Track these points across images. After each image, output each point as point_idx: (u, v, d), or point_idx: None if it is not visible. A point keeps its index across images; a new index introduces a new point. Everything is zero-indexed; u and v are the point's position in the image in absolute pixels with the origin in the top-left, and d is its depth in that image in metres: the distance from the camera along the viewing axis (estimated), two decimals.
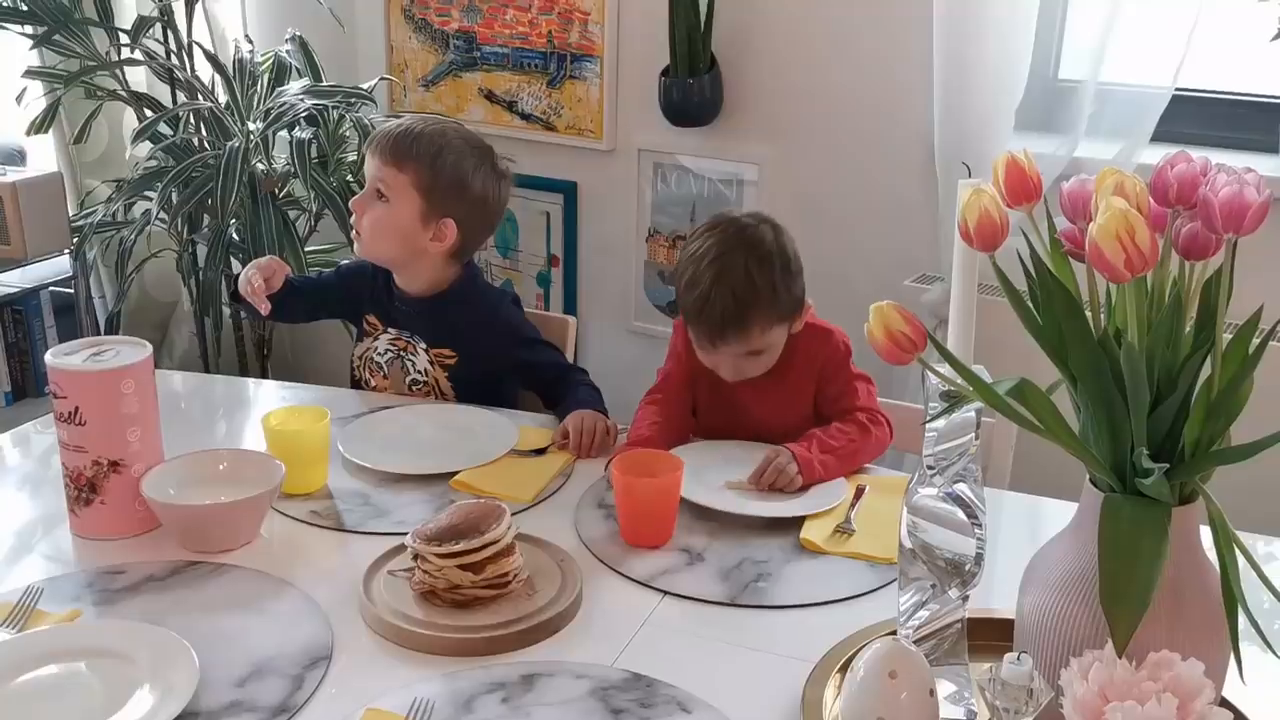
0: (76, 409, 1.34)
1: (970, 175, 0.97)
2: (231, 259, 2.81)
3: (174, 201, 2.67)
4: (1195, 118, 2.28)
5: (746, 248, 1.55)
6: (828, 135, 2.60)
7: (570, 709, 1.09)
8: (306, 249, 2.72)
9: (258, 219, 2.59)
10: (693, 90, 2.65)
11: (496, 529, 1.24)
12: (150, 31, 2.83)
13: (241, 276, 1.81)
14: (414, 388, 1.83)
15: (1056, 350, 0.94)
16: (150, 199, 2.80)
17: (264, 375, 2.97)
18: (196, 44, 2.85)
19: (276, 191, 2.67)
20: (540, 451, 1.61)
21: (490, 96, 3.03)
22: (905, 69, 2.45)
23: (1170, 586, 0.92)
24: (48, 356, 1.36)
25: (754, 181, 2.69)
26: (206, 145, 2.75)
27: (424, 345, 1.80)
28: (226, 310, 2.95)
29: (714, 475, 1.51)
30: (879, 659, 0.99)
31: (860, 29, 2.52)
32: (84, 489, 1.37)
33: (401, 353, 1.82)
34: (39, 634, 1.16)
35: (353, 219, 1.77)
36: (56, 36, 2.79)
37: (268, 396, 1.91)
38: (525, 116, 2.98)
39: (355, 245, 1.78)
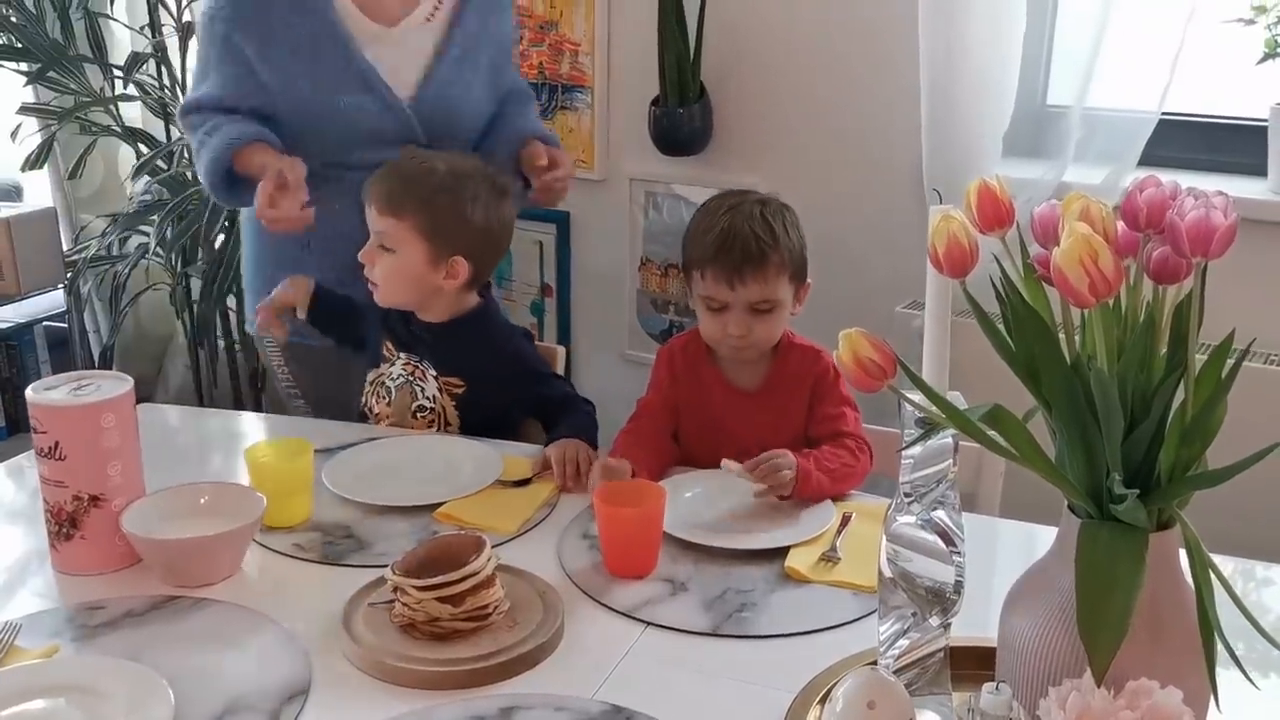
0: (56, 444, 1.33)
1: (941, 201, 0.97)
2: (226, 292, 2.81)
3: (168, 236, 2.68)
4: (1182, 142, 2.29)
5: (758, 201, 1.63)
6: (818, 163, 2.60)
7: None
8: None
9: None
10: (683, 119, 2.66)
11: (476, 561, 1.23)
12: (144, 67, 2.86)
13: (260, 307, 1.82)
14: (419, 414, 1.80)
15: (1030, 375, 0.94)
16: (145, 233, 2.81)
17: (258, 407, 2.98)
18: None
19: None
20: (525, 482, 1.60)
21: None
22: (894, 96, 2.46)
23: (1149, 613, 0.91)
24: (29, 391, 1.35)
25: None
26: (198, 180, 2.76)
27: (434, 372, 1.78)
28: (221, 343, 2.95)
29: (698, 507, 1.50)
30: (857, 689, 0.98)
31: (849, 57, 2.53)
32: (64, 524, 1.36)
33: (411, 378, 1.79)
34: (14, 670, 1.15)
35: (365, 270, 1.74)
36: (50, 73, 2.82)
37: (259, 430, 1.91)
38: None
39: (375, 295, 1.75)
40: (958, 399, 0.99)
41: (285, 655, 1.21)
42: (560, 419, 1.74)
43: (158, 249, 2.75)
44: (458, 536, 1.28)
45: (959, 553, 1.04)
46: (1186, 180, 0.96)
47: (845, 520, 1.49)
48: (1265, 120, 2.20)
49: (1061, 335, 0.93)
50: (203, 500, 1.43)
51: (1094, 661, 0.88)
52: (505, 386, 1.79)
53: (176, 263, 2.87)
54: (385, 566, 1.34)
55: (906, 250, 2.50)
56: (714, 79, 2.65)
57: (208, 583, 1.35)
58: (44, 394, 1.35)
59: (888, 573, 1.08)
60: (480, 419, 1.78)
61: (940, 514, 1.04)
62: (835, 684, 1.08)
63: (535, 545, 1.45)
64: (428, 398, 1.78)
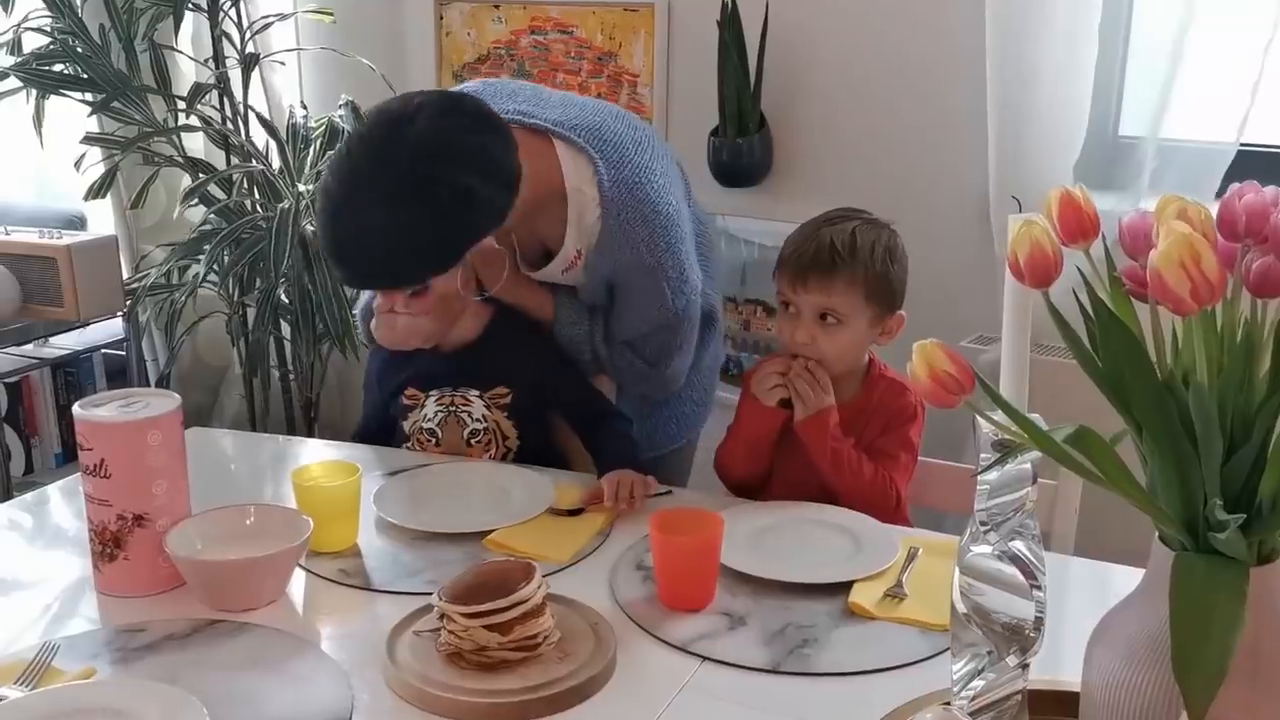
0: (102, 461, 1.31)
1: (1021, 209, 0.91)
2: (281, 320, 2.81)
3: (224, 263, 2.68)
4: (1262, 173, 2.20)
5: (863, 220, 1.62)
6: (880, 194, 2.53)
7: None
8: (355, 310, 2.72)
9: (310, 280, 2.58)
10: (742, 150, 2.63)
11: (525, 588, 1.18)
12: (207, 98, 2.88)
13: None
14: (473, 440, 1.74)
15: (1118, 394, 0.88)
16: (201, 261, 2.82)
17: (311, 436, 2.96)
18: (252, 108, 2.88)
19: None
20: (578, 511, 1.55)
21: None
22: (959, 127, 2.41)
23: (1249, 652, 0.84)
24: (75, 407, 1.33)
25: None
26: (259, 209, 2.77)
27: (476, 392, 1.73)
28: (275, 372, 2.95)
29: (756, 538, 1.44)
30: None
31: (912, 85, 2.49)
32: (108, 544, 1.33)
33: (452, 408, 1.74)
34: (50, 692, 1.11)
35: (404, 315, 1.65)
36: (115, 103, 2.84)
37: (311, 454, 1.87)
38: None
39: (420, 340, 1.68)
40: (1038, 420, 0.93)
41: (327, 682, 1.16)
42: (600, 434, 1.69)
43: (213, 277, 2.75)
44: (507, 563, 1.23)
45: (1039, 586, 0.97)
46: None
47: (911, 555, 1.42)
48: None
49: (1152, 352, 0.87)
50: (248, 522, 1.40)
51: (1190, 705, 0.81)
52: (546, 380, 1.74)
53: (233, 292, 2.87)
54: (429, 595, 1.30)
55: (972, 283, 2.43)
56: (774, 109, 2.61)
57: (251, 607, 1.31)
58: (91, 410, 1.33)
59: (961, 608, 1.01)
60: (533, 427, 1.73)
61: (1019, 544, 0.98)
62: None
63: (587, 575, 1.40)
64: (477, 419, 1.73)
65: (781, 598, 1.34)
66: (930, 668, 1.21)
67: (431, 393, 1.74)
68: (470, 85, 1.72)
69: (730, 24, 2.54)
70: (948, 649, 1.22)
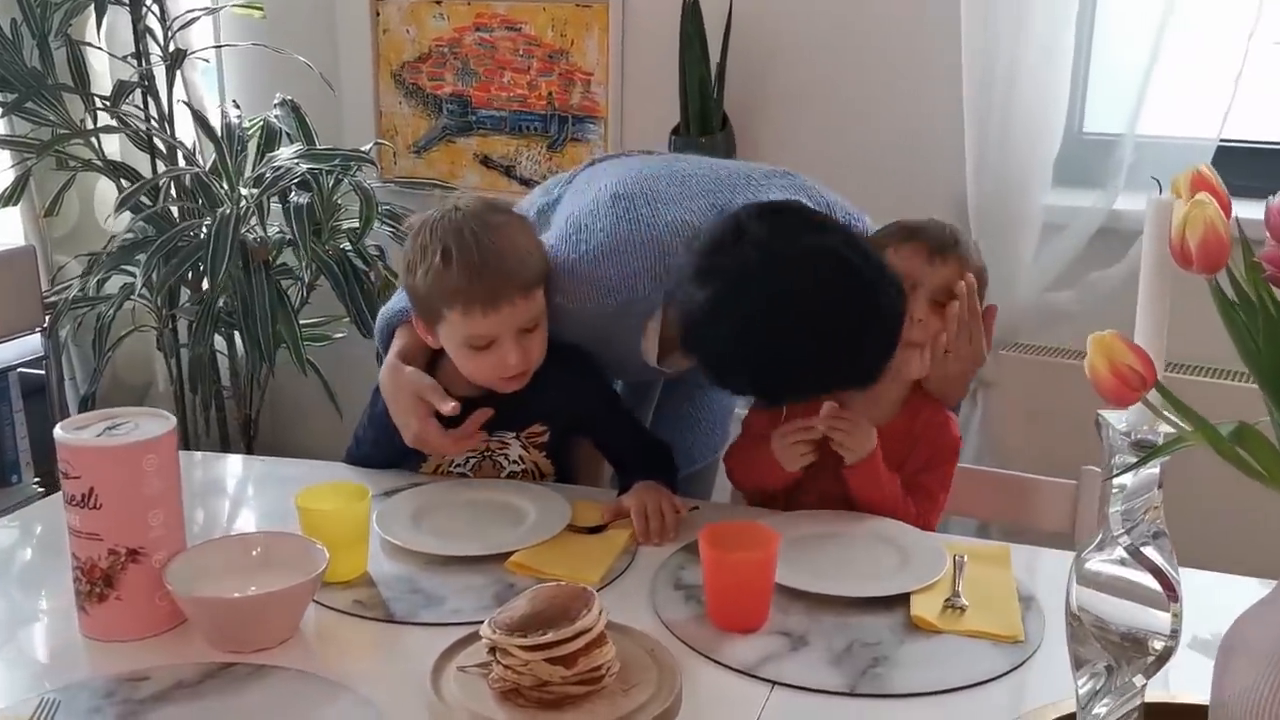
0: (91, 490, 1.17)
1: (1161, 190, 0.85)
2: (215, 334, 2.64)
3: (157, 274, 2.51)
4: (1245, 169, 2.21)
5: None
6: (850, 193, 2.47)
7: None
8: (301, 321, 2.56)
9: (249, 290, 2.43)
10: (704, 150, 2.55)
11: (587, 615, 1.08)
12: (130, 98, 2.69)
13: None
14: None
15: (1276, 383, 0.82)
16: (130, 272, 2.63)
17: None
18: (185, 104, 2.71)
19: (271, 260, 2.52)
20: (599, 528, 1.45)
21: (486, 161, 2.91)
22: (933, 123, 2.37)
23: None
24: (57, 431, 1.19)
25: None
26: (189, 215, 2.60)
27: (513, 434, 1.60)
28: (213, 389, 2.77)
29: (802, 553, 1.36)
30: None
31: (882, 85, 2.44)
32: (98, 583, 1.19)
33: (487, 453, 1.60)
34: None
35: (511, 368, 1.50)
36: (28, 104, 2.64)
37: (296, 476, 1.69)
38: (524, 181, 2.86)
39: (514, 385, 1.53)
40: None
41: None
42: (641, 462, 1.59)
43: (144, 290, 2.57)
44: (561, 588, 1.13)
45: (1176, 595, 0.91)
46: (1245, 210, 0.86)
47: (959, 564, 1.36)
48: None
49: None
50: (255, 552, 1.27)
51: None
52: (582, 413, 1.63)
53: (162, 305, 2.69)
54: (461, 624, 1.20)
55: None
56: (737, 108, 2.54)
57: (264, 646, 1.18)
58: (76, 434, 1.19)
59: (1083, 621, 0.95)
60: (566, 456, 1.63)
61: (1151, 550, 0.92)
62: None
63: (622, 597, 1.31)
64: (514, 461, 1.61)
65: (838, 613, 1.26)
66: (1009, 682, 1.15)
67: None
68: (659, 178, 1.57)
69: (692, 15, 2.46)
70: (1025, 661, 1.17)
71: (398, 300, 1.64)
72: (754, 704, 1.11)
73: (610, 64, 2.70)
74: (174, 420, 1.23)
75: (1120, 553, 0.92)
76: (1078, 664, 0.96)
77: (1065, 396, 2.21)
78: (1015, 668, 1.16)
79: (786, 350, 1.33)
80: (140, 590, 1.20)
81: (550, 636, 1.05)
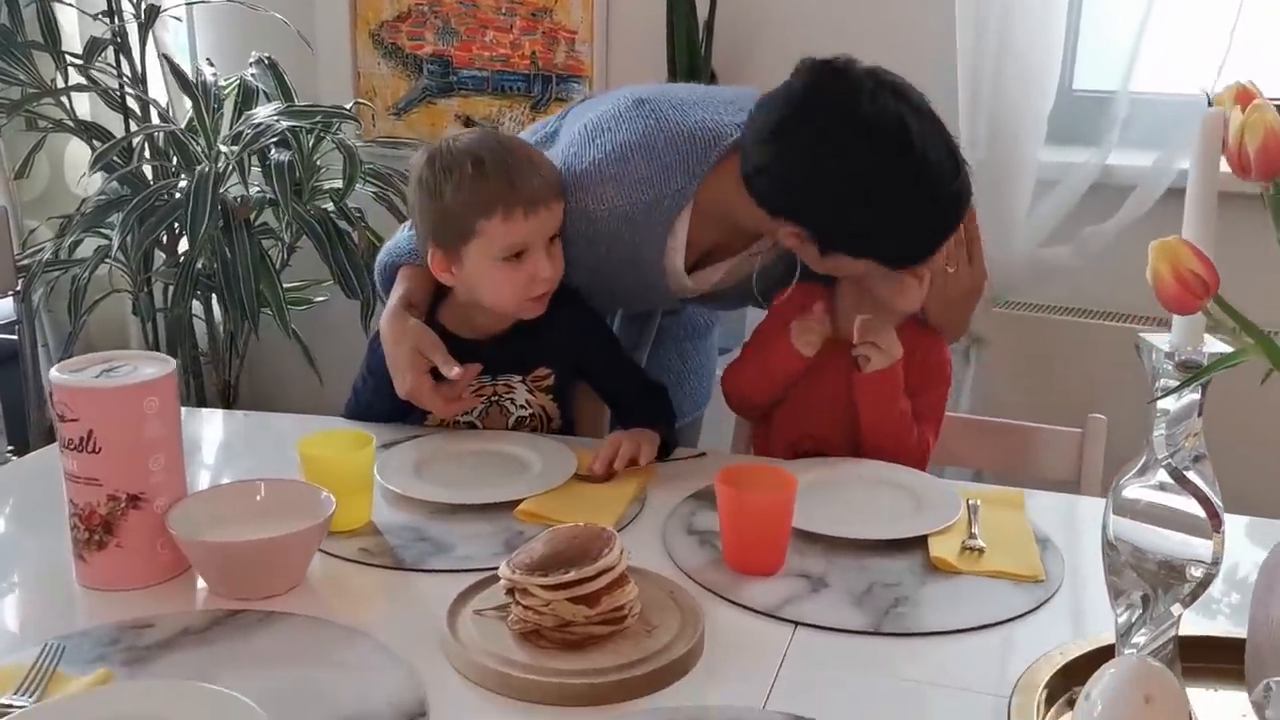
0: (90, 433, 1.13)
1: (1210, 103, 0.83)
2: (194, 297, 2.58)
3: (133, 237, 2.44)
4: None
5: None
6: None
7: None
8: (285, 285, 2.51)
9: (232, 249, 2.37)
10: None
11: (609, 554, 1.05)
12: (102, 56, 2.62)
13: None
14: (519, 428, 1.58)
15: None
16: (104, 235, 2.57)
17: None
18: (165, 57, 2.64)
19: (251, 219, 2.46)
20: (609, 477, 1.43)
21: (468, 123, 2.87)
22: (925, 79, 2.33)
23: None
24: (53, 373, 1.15)
25: None
26: (163, 175, 2.54)
27: (519, 378, 1.56)
28: (193, 353, 2.71)
29: (814, 497, 1.34)
30: (1129, 682, 0.83)
31: (874, 42, 2.39)
32: (97, 530, 1.15)
33: (494, 398, 1.56)
34: (83, 700, 0.94)
35: (543, 282, 1.48)
36: None
37: (290, 429, 1.61)
38: None
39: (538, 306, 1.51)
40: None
41: (388, 671, 1.02)
42: (640, 404, 1.56)
43: (119, 252, 2.50)
44: (579, 529, 1.10)
45: (1219, 519, 0.90)
46: None
47: (972, 509, 1.34)
48: None
49: None
50: (258, 498, 1.23)
51: None
52: (587, 351, 1.60)
53: (138, 268, 2.63)
54: (473, 571, 1.17)
55: None
56: (726, 65, 2.51)
57: (271, 594, 1.15)
58: (74, 375, 1.14)
59: (1119, 551, 0.93)
60: (569, 401, 1.60)
61: (1193, 475, 0.90)
62: (1045, 682, 0.94)
63: (634, 544, 1.25)
64: (521, 406, 1.57)
65: (855, 556, 1.25)
66: (1034, 620, 1.14)
67: (469, 386, 1.55)
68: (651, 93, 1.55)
69: None
70: (1048, 600, 1.16)
71: (401, 240, 1.60)
72: (778, 644, 1.09)
73: (595, 21, 2.66)
74: (174, 362, 1.19)
75: (1161, 478, 0.91)
76: (1115, 594, 0.95)
77: (1059, 352, 2.22)
78: (1039, 606, 1.15)
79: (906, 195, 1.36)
80: (141, 537, 1.16)
81: (573, 575, 1.03)
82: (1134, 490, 0.93)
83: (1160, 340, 0.88)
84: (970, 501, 1.35)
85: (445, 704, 0.98)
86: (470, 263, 1.47)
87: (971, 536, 1.28)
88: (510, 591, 1.06)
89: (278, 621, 1.10)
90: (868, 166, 1.35)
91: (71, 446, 1.14)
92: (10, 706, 0.94)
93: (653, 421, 1.51)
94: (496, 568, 1.13)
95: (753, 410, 1.60)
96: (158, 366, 1.17)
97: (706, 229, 1.52)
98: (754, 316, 2.48)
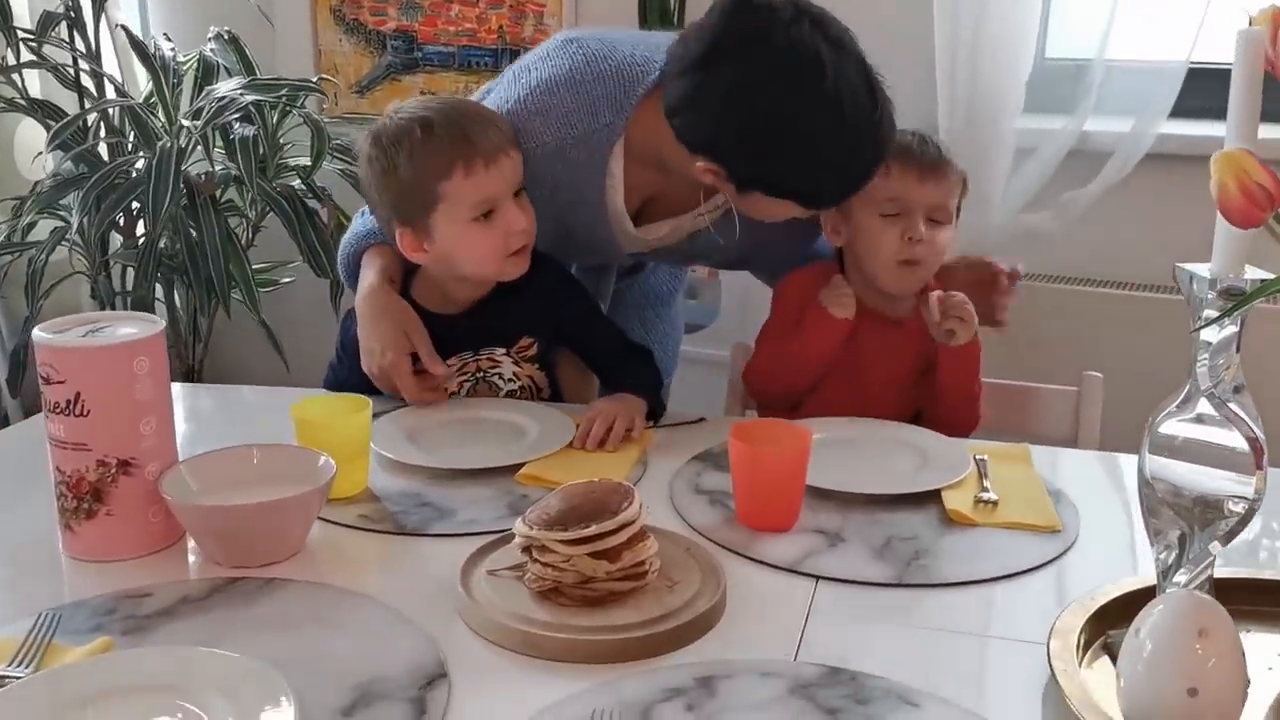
0: (77, 395, 1.07)
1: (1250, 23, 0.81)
2: (156, 279, 2.51)
3: (90, 217, 2.36)
4: (1216, 92, 2.21)
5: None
6: None
7: (774, 713, 0.88)
8: (253, 266, 2.44)
9: (199, 228, 2.30)
10: None
11: (629, 508, 1.02)
12: (54, 31, 2.54)
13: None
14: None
15: None
16: (61, 216, 2.49)
17: None
18: (123, 28, 2.55)
19: (216, 196, 2.39)
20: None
21: None
22: (902, 49, 2.33)
23: None
24: (37, 333, 1.09)
25: None
26: (120, 152, 2.46)
27: (502, 350, 1.52)
28: None
29: (827, 454, 1.31)
30: (1183, 616, 0.81)
31: (851, 10, 2.39)
32: (85, 498, 1.10)
33: (479, 374, 1.52)
34: (85, 668, 0.89)
35: (520, 234, 1.44)
36: None
37: (273, 401, 1.56)
38: None
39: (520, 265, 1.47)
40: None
41: (403, 636, 0.98)
42: (628, 368, 1.53)
43: (77, 234, 2.42)
44: (594, 484, 1.07)
45: (1261, 449, 0.88)
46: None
47: (980, 464, 1.33)
48: None
49: None
50: (254, 463, 1.18)
51: None
52: (568, 316, 1.55)
53: (96, 250, 2.55)
54: (480, 534, 1.14)
55: None
56: None
57: (271, 561, 1.10)
58: (59, 335, 1.09)
59: (1156, 488, 0.92)
60: (557, 382, 1.56)
61: (1235, 407, 0.89)
62: (1082, 625, 0.92)
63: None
64: (509, 379, 1.53)
65: (868, 512, 1.22)
66: (1054, 571, 1.12)
67: (450, 361, 1.49)
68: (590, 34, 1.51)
69: None
70: (1068, 550, 1.15)
71: (360, 225, 1.56)
72: (802, 598, 1.06)
73: None
74: (162, 322, 1.14)
75: (1200, 410, 0.90)
76: (1154, 534, 0.93)
77: (1042, 318, 2.22)
78: (1060, 555, 1.14)
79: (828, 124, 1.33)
80: (133, 504, 1.11)
81: (594, 529, 1.00)
82: (1171, 426, 0.91)
83: (1201, 269, 0.86)
84: (978, 457, 1.34)
85: (464, 665, 0.95)
86: (441, 232, 1.43)
87: (984, 490, 1.26)
88: (527, 549, 1.03)
89: (280, 587, 1.06)
90: (777, 96, 1.32)
91: (58, 410, 1.08)
92: (7, 678, 0.89)
93: (638, 385, 1.48)
94: (503, 531, 1.10)
95: (785, 399, 1.56)
96: (144, 326, 1.12)
97: (644, 170, 1.49)
98: (729, 292, 2.47)
